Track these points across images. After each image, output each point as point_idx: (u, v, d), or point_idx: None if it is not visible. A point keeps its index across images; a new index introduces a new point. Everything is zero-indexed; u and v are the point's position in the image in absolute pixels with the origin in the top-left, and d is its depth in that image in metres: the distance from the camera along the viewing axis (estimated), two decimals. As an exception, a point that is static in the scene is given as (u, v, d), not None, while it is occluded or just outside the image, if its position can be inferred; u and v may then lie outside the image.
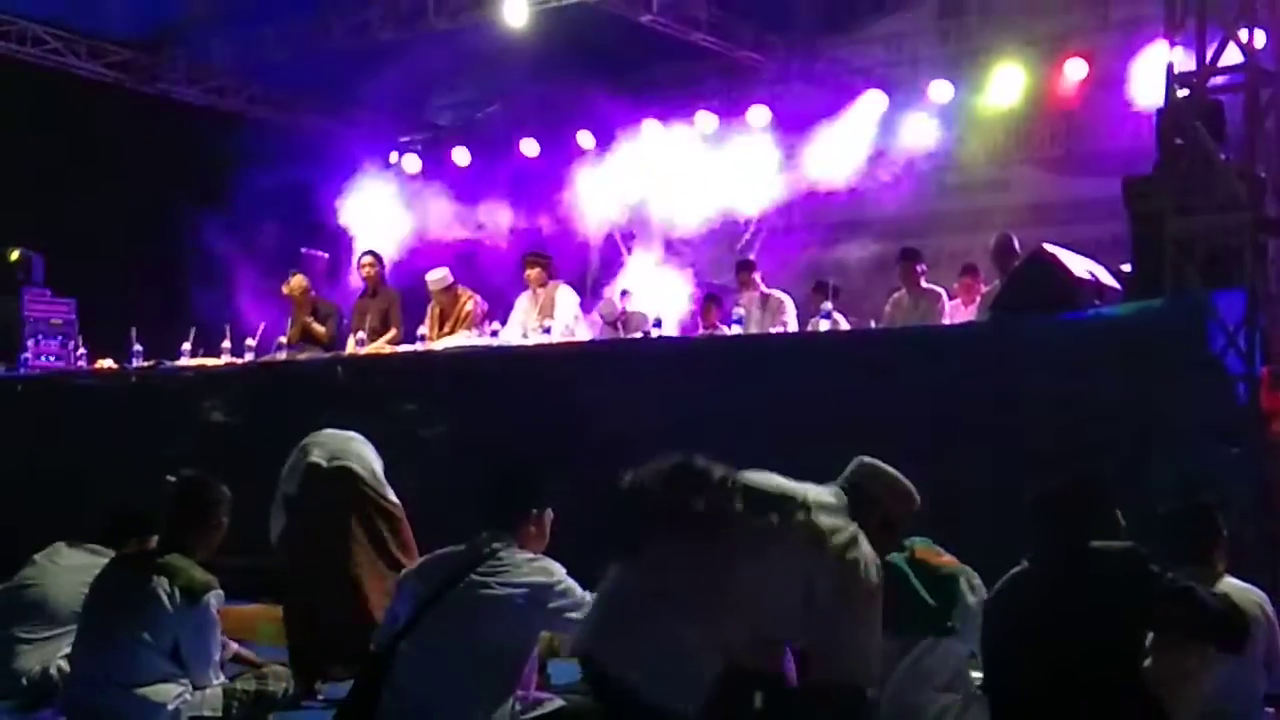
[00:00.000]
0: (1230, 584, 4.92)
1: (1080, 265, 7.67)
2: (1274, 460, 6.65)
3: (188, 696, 4.94)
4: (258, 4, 13.73)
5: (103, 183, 12.81)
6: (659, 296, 13.05)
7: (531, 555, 4.45)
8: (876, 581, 3.69)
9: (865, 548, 3.73)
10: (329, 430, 6.46)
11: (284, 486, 6.30)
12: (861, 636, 3.64)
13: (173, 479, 5.27)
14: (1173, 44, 7.87)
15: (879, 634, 3.72)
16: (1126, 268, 8.03)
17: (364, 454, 6.29)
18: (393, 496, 6.22)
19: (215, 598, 5.01)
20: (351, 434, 6.43)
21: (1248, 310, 6.80)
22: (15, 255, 12.28)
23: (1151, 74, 10.89)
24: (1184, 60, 7.74)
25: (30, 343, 11.66)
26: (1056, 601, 3.95)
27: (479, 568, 4.36)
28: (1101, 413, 6.51)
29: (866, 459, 4.07)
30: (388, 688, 4.27)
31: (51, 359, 11.69)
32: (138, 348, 10.64)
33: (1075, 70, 13.20)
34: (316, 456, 6.25)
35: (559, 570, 4.42)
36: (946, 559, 4.73)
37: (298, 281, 11.25)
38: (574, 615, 4.21)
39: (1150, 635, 4.19)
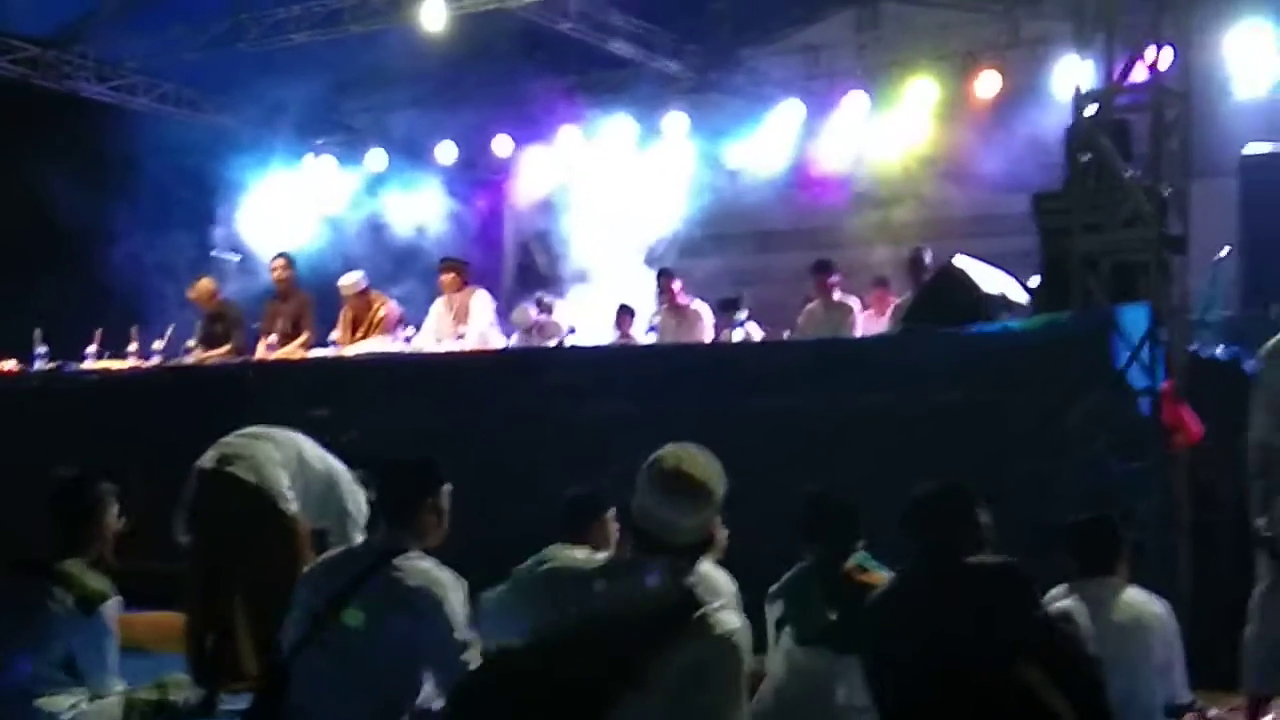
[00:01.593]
0: (1133, 593, 5.00)
1: (990, 279, 7.77)
2: (1175, 473, 6.78)
3: (84, 706, 4.84)
4: (169, 2, 13.54)
5: (9, 180, 12.56)
6: (575, 306, 13.05)
7: (427, 566, 4.28)
8: None
9: None
10: (253, 428, 6.31)
11: (185, 489, 6.21)
12: None
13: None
14: (1081, 60, 8.01)
15: None
16: (1035, 281, 8.15)
17: (263, 458, 6.12)
18: (289, 505, 6.03)
19: (112, 605, 4.91)
20: (271, 433, 6.27)
21: (1151, 325, 6.93)
22: (-86, 253, 12.02)
23: (1061, 90, 11.08)
24: (1093, 77, 7.87)
25: (-72, 343, 11.40)
26: (933, 614, 3.94)
27: (375, 574, 4.25)
28: (1007, 425, 6.59)
29: None
30: (286, 703, 4.20)
31: (-49, 360, 11.42)
32: (42, 349, 10.45)
33: (987, 84, 13.39)
34: (207, 460, 6.15)
35: (454, 592, 4.17)
36: (874, 576, 4.67)
37: (203, 285, 11.11)
38: (462, 657, 4.07)
39: None
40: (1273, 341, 5.00)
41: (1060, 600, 4.92)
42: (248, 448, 6.17)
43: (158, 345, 10.36)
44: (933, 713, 3.83)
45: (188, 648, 6.12)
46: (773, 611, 4.93)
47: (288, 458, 6.17)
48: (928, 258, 9.63)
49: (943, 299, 7.61)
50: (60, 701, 4.80)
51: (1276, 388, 4.96)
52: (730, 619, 3.34)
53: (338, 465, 6.33)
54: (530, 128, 15.81)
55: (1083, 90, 7.82)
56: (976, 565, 4.00)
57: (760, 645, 5.13)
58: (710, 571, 5.04)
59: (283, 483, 6.06)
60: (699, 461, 3.44)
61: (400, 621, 4.15)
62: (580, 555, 4.34)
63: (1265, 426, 5.05)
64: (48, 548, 4.97)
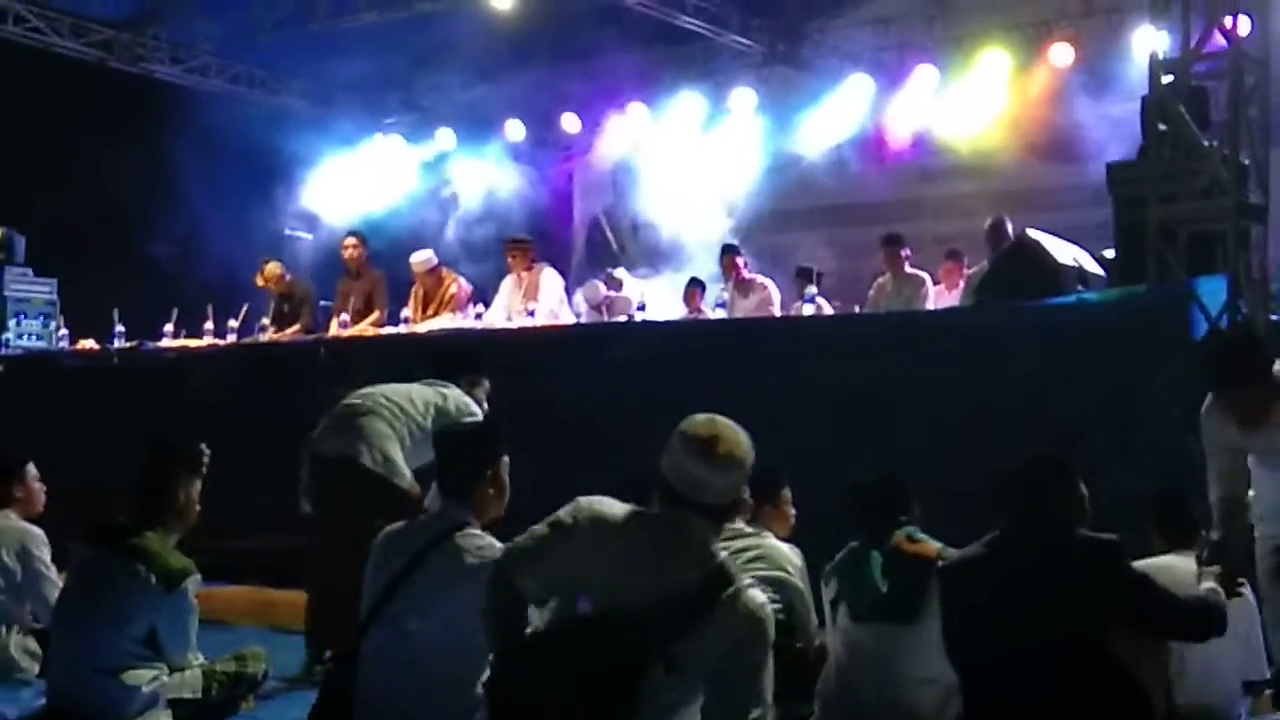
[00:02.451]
0: (1211, 569, 4.94)
1: (1064, 251, 7.68)
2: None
3: (164, 679, 4.92)
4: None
5: (85, 162, 12.73)
6: (644, 281, 13.05)
7: (486, 544, 4.27)
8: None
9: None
10: (360, 399, 6.24)
11: (302, 469, 6.25)
12: None
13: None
14: (1157, 30, 7.89)
15: None
16: (1110, 253, 8.05)
17: (373, 434, 6.08)
18: (404, 480, 6.00)
19: (193, 582, 4.98)
20: (379, 404, 6.18)
21: (1230, 296, 6.82)
22: (-3, 234, 12.23)
23: (1137, 59, 10.91)
24: (1169, 46, 7.75)
25: (12, 322, 11.61)
26: (1027, 583, 3.93)
27: (433, 551, 4.26)
28: (1084, 398, 6.52)
29: None
30: (358, 679, 4.24)
31: (33, 339, 11.64)
32: (120, 328, 10.61)
33: (1060, 55, 13.21)
34: (318, 444, 6.16)
35: None
36: (923, 547, 4.67)
37: (270, 269, 11.21)
38: None
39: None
40: (1206, 403, 5.01)
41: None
42: (362, 427, 6.12)
43: (233, 324, 10.49)
44: (1019, 681, 3.83)
45: (307, 622, 6.19)
46: (828, 592, 4.92)
47: (393, 426, 6.12)
48: (1009, 227, 9.52)
49: (1017, 272, 7.53)
50: (142, 675, 4.87)
51: (1222, 441, 4.98)
52: (758, 595, 3.40)
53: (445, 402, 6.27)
54: (599, 104, 15.81)
55: (1159, 58, 7.70)
56: (1080, 538, 4.00)
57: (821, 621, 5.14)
58: (777, 545, 5.04)
59: (397, 458, 6.03)
60: (730, 427, 3.49)
61: (459, 600, 4.17)
62: None
63: (1222, 481, 5.04)
64: (131, 517, 5.06)
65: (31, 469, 6.38)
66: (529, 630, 3.53)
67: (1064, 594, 3.87)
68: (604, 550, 3.42)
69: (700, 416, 3.50)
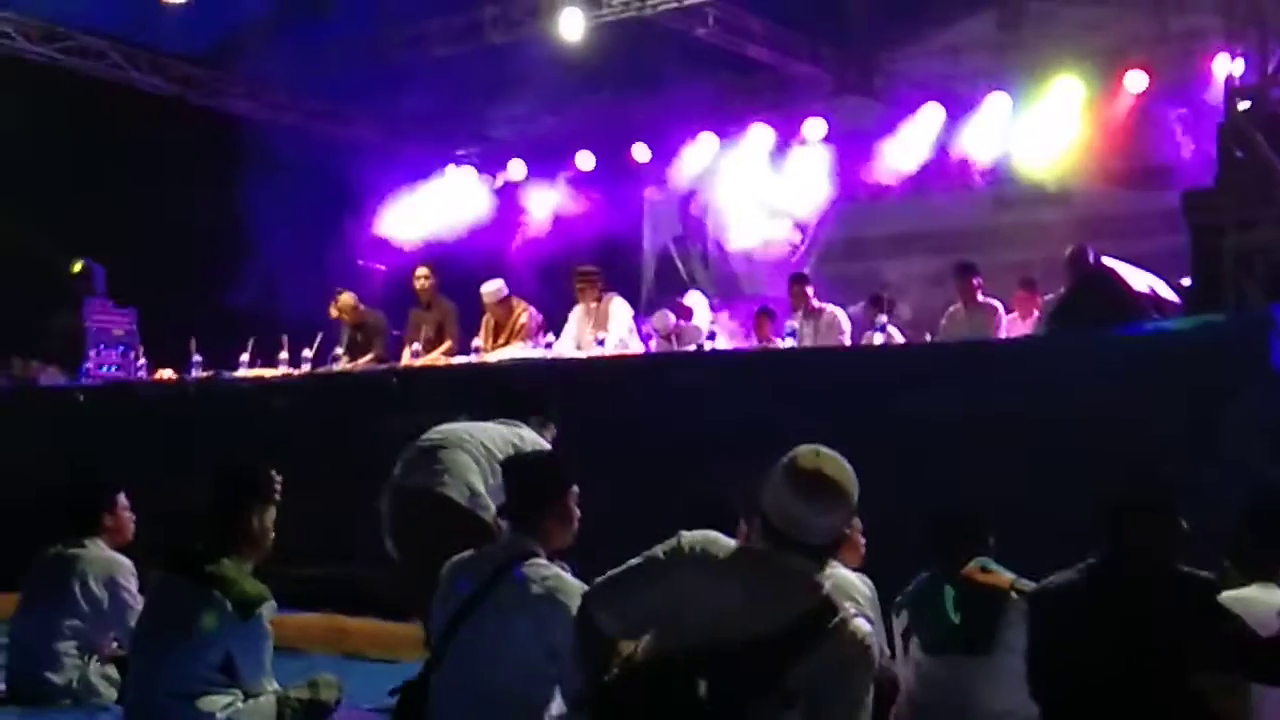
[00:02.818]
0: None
1: (1139, 279, 7.61)
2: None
3: (239, 705, 4.97)
4: (314, 20, 13.85)
5: (164, 195, 12.95)
6: (714, 311, 13.05)
7: (551, 575, 4.29)
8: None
9: None
10: (439, 429, 6.21)
11: (384, 504, 6.22)
12: None
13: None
14: (1233, 56, 7.81)
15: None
16: (1186, 282, 7.96)
17: (457, 467, 6.03)
18: (489, 514, 5.87)
19: (268, 609, 5.03)
20: (460, 438, 6.13)
21: (1310, 324, 6.71)
22: (79, 266, 12.41)
23: (1213, 85, 10.80)
24: (1245, 72, 7.67)
25: (92, 353, 11.79)
26: (1118, 616, 3.88)
27: (500, 580, 4.28)
28: (1161, 428, 6.43)
29: None
30: (430, 703, 4.26)
31: (113, 369, 11.81)
32: (197, 358, 10.75)
33: (1134, 82, 13.08)
34: (402, 478, 6.12)
35: (578, 600, 3.93)
36: (996, 578, 4.62)
37: (344, 300, 11.34)
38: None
39: None
40: None
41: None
42: (437, 459, 6.09)
43: (307, 354, 10.60)
44: (1102, 713, 3.78)
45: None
46: (899, 623, 4.87)
47: (478, 461, 6.06)
48: (1090, 255, 9.43)
49: (1092, 300, 7.46)
50: (217, 701, 4.92)
51: None
52: (864, 625, 3.40)
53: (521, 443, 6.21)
54: (669, 134, 15.84)
55: (1236, 84, 7.63)
56: (1177, 573, 3.96)
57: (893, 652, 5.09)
58: (846, 575, 5.01)
59: (483, 491, 5.94)
60: (835, 463, 3.44)
61: (524, 628, 4.19)
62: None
63: None
64: (203, 545, 5.12)
65: (123, 499, 6.46)
66: (626, 658, 3.51)
67: (1155, 627, 3.82)
68: (707, 586, 3.39)
69: (805, 450, 3.45)
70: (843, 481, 3.42)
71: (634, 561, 3.52)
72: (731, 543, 3.50)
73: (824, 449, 3.46)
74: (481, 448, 6.09)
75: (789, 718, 3.26)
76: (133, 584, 6.13)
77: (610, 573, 3.57)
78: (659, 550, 3.49)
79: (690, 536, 3.50)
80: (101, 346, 11.87)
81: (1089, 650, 3.88)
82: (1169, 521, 4.07)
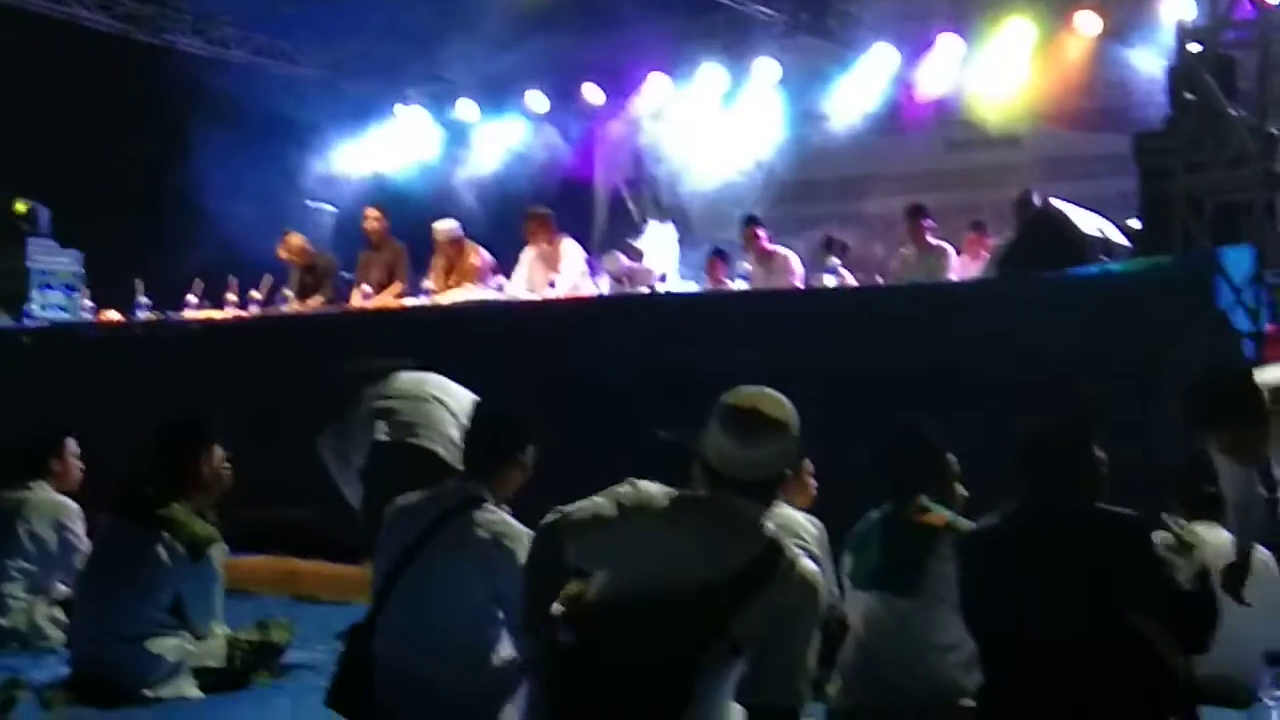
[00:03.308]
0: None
1: (1089, 221, 7.66)
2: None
3: (189, 647, 4.98)
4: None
5: (109, 134, 12.77)
6: (665, 252, 13.02)
7: (498, 519, 4.32)
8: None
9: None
10: (405, 380, 6.23)
11: (352, 455, 6.20)
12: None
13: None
14: (1185, -2, 7.83)
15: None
16: (1136, 223, 8.01)
17: (438, 422, 6.07)
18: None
19: (218, 551, 5.04)
20: (428, 389, 6.18)
21: (1256, 266, 6.80)
22: (22, 206, 12.24)
23: (1164, 27, 10.84)
24: (1197, 14, 7.70)
25: (36, 294, 11.66)
26: (1046, 555, 3.88)
27: (450, 522, 4.29)
28: (1108, 368, 6.49)
29: None
30: (377, 643, 4.27)
31: (57, 310, 11.69)
32: (143, 299, 10.65)
33: (1086, 24, 13.11)
34: (383, 432, 6.11)
35: (525, 545, 3.98)
36: (931, 517, 4.58)
37: (292, 241, 11.23)
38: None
39: None
40: None
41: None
42: (418, 412, 6.13)
43: (255, 295, 10.52)
44: (1037, 654, 3.80)
45: None
46: (845, 563, 4.89)
47: (455, 415, 6.10)
48: (1036, 199, 9.47)
49: (1041, 243, 7.50)
50: (167, 643, 4.96)
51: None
52: (810, 565, 3.38)
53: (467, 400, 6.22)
54: (621, 75, 15.77)
55: (1187, 26, 7.65)
56: (1099, 513, 3.93)
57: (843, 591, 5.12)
58: (792, 514, 5.02)
59: (460, 442, 5.86)
60: (771, 399, 3.40)
61: (470, 571, 4.20)
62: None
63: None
64: (153, 490, 5.10)
65: (72, 444, 6.44)
66: (575, 598, 3.48)
67: (1082, 569, 3.82)
68: (653, 536, 3.37)
69: (745, 390, 3.42)
70: (777, 417, 3.38)
71: (596, 499, 3.49)
72: (668, 492, 3.47)
73: (765, 389, 3.43)
74: (455, 401, 6.15)
75: (738, 661, 3.25)
76: (79, 527, 6.11)
77: (575, 506, 3.52)
78: (614, 493, 3.47)
79: (639, 486, 3.48)
80: (46, 288, 11.74)
81: (1021, 594, 3.87)
82: (1086, 457, 4.02)
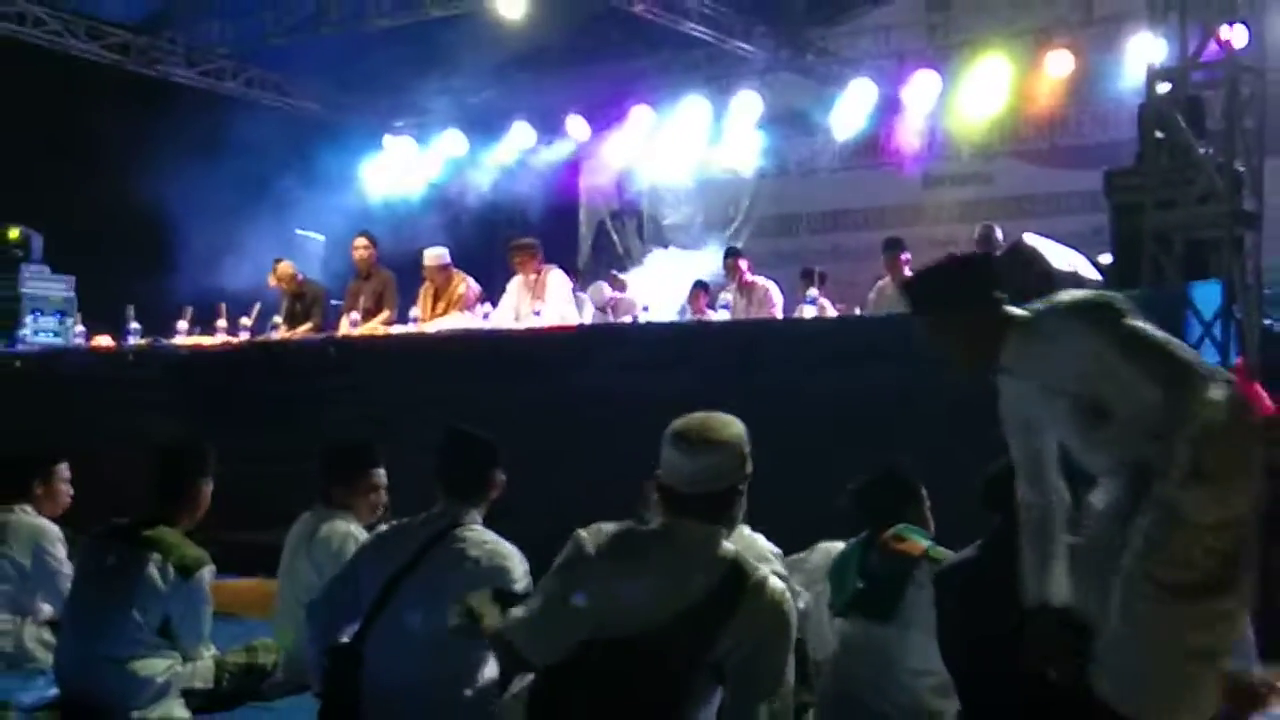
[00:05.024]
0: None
1: (1061, 256, 7.79)
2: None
3: (178, 669, 4.98)
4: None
5: (102, 163, 12.88)
6: (650, 283, 13.15)
7: (490, 539, 4.39)
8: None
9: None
10: None
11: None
12: None
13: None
14: (1155, 38, 8.00)
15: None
16: (1107, 259, 8.16)
17: None
18: None
19: (208, 572, 5.06)
20: None
21: (1224, 302, 6.93)
22: (15, 233, 12.32)
23: (1135, 68, 11.04)
24: (1166, 55, 7.87)
25: (28, 319, 11.73)
26: (1013, 585, 3.95)
27: (438, 544, 4.34)
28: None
29: None
30: (365, 668, 4.27)
31: (50, 336, 11.76)
32: (134, 325, 10.72)
33: (1059, 63, 13.31)
34: None
35: (516, 563, 4.31)
36: (909, 545, 4.61)
37: (282, 269, 11.33)
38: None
39: None
40: None
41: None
42: None
43: (245, 322, 10.62)
44: (1010, 684, 3.84)
45: None
46: (826, 589, 4.95)
47: None
48: (999, 235, 9.66)
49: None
50: (155, 664, 4.92)
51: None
52: (778, 584, 3.42)
53: None
54: (604, 109, 15.93)
55: (1156, 67, 7.82)
56: None
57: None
58: (755, 536, 5.08)
59: None
60: (720, 418, 3.47)
61: (462, 591, 4.26)
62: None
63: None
64: (144, 513, 5.16)
65: (64, 469, 6.42)
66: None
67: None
68: (616, 581, 3.38)
69: (690, 415, 3.49)
70: (721, 429, 3.43)
71: (537, 598, 3.53)
72: (623, 529, 3.51)
73: (712, 414, 3.49)
74: None
75: (718, 687, 3.33)
76: (59, 550, 6.08)
77: (525, 608, 3.56)
78: (561, 572, 3.48)
79: (583, 536, 3.49)
80: (38, 313, 11.82)
81: (991, 623, 3.85)
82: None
